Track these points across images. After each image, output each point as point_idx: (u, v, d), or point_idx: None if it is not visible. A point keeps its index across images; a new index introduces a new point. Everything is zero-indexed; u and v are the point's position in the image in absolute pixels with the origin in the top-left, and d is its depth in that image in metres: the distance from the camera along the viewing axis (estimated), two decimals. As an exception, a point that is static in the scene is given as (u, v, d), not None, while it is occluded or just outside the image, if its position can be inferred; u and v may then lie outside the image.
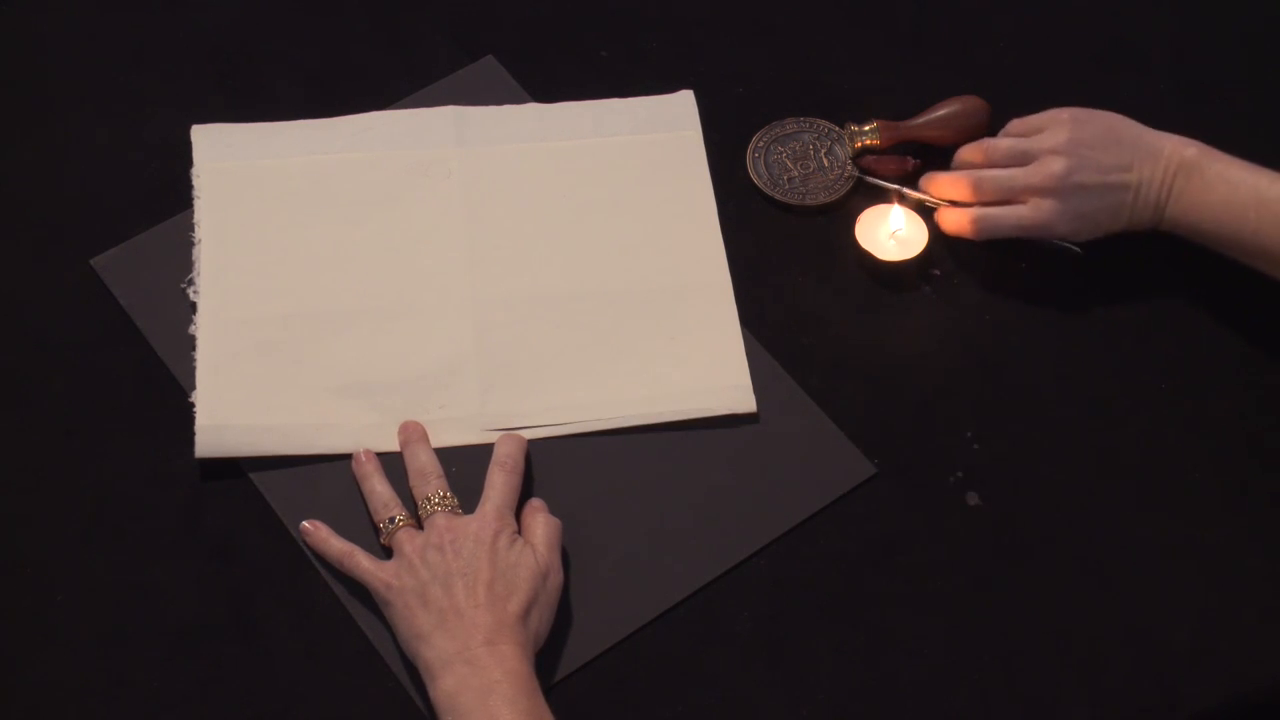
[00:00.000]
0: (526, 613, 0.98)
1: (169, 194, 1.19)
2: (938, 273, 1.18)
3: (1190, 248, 1.20)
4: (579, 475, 1.09)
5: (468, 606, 0.97)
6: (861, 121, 1.23)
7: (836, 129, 1.24)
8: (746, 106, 1.26)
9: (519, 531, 1.03)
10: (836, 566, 1.06)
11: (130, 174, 1.22)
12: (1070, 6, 1.33)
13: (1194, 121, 1.26)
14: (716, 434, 1.11)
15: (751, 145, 1.24)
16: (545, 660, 1.01)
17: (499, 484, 1.05)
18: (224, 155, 1.20)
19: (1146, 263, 1.19)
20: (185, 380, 1.11)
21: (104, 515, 1.07)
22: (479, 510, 1.03)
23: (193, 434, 1.08)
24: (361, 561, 1.03)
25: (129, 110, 1.25)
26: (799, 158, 1.23)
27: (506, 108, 1.24)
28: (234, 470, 1.08)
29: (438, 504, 1.04)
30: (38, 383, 1.12)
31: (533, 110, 1.24)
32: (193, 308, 1.14)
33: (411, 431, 1.09)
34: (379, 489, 1.06)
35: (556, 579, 1.02)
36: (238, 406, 1.09)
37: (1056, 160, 1.13)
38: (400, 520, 1.04)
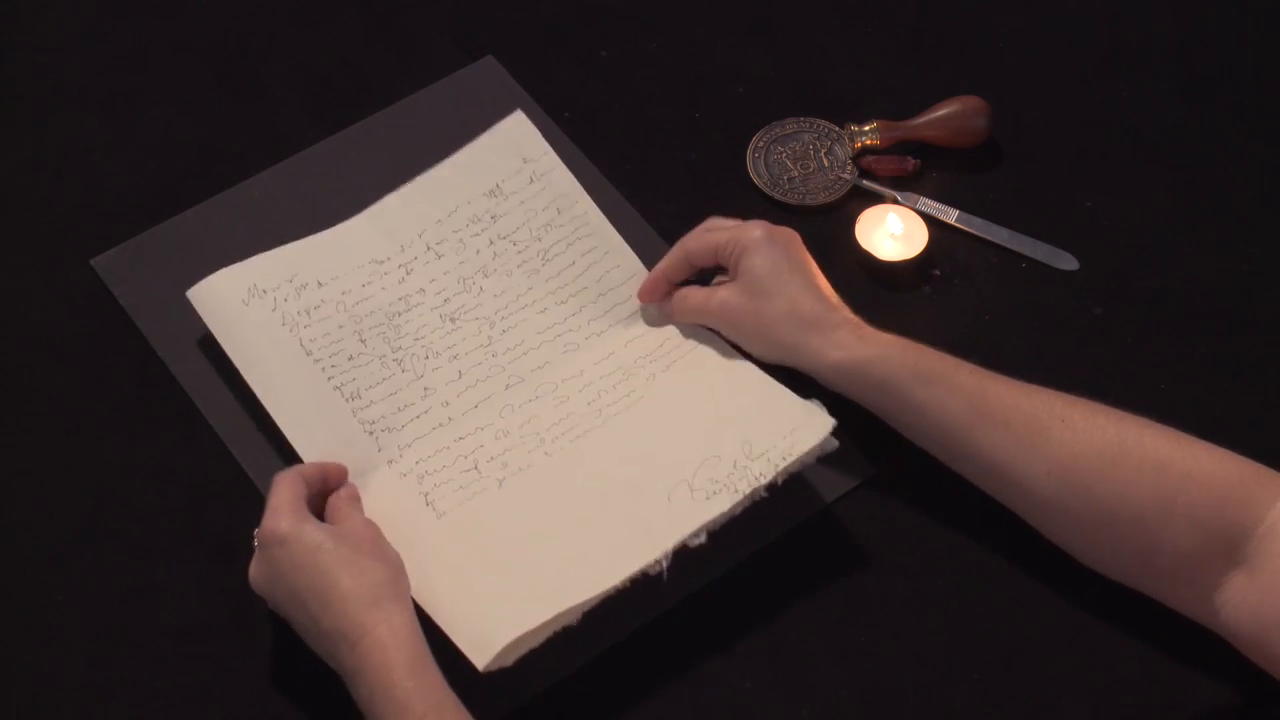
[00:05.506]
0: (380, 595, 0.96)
1: (169, 194, 1.19)
2: (938, 273, 1.18)
3: (1187, 249, 1.20)
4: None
5: (317, 627, 0.96)
6: (861, 121, 1.23)
7: (836, 129, 1.24)
8: (746, 106, 1.26)
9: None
10: (836, 566, 1.06)
11: (130, 174, 1.22)
12: (1070, 6, 1.33)
13: (1195, 122, 1.26)
14: (716, 434, 1.11)
15: (751, 145, 1.24)
16: (545, 661, 1.01)
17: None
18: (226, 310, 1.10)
19: (1146, 262, 1.19)
20: (185, 380, 1.11)
21: (104, 515, 1.07)
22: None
23: (192, 435, 1.09)
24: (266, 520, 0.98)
25: (129, 110, 1.25)
26: (799, 158, 1.23)
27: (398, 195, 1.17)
28: (234, 470, 1.08)
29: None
30: (38, 383, 1.12)
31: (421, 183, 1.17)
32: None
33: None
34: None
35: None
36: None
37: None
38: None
